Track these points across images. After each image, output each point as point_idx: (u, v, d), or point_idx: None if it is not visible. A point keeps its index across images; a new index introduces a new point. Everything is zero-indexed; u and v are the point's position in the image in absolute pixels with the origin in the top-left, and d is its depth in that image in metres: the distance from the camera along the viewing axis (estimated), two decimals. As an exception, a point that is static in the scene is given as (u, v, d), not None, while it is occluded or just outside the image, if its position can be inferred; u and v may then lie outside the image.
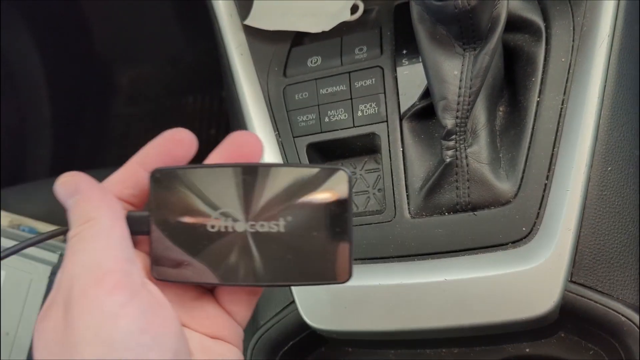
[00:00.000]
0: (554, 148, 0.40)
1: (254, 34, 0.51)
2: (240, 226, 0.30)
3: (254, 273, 0.30)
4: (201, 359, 0.30)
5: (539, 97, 0.42)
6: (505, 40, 0.43)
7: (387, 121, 0.45)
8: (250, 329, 0.46)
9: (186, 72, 1.10)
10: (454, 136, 0.40)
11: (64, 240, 0.74)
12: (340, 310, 0.42)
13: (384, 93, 0.45)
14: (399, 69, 0.45)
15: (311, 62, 0.48)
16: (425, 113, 0.44)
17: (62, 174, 0.30)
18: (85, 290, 0.26)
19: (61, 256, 0.66)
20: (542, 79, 0.42)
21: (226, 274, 0.30)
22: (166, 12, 1.05)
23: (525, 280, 0.39)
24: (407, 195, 0.43)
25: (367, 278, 0.42)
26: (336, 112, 0.46)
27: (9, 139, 1.07)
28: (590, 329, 0.40)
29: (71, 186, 0.30)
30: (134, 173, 0.31)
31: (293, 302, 0.44)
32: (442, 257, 0.41)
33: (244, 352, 0.40)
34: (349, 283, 0.30)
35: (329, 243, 0.29)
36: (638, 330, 0.38)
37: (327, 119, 0.46)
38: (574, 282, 0.39)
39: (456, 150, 0.40)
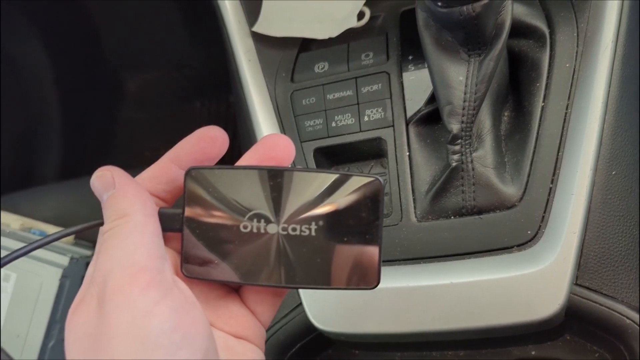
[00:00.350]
0: (558, 152, 0.41)
1: (261, 40, 0.51)
2: (273, 228, 0.30)
3: (284, 275, 0.30)
4: (225, 359, 0.30)
5: (543, 102, 0.42)
6: (510, 46, 0.44)
7: (393, 126, 0.45)
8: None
9: (193, 77, 1.10)
10: (459, 141, 0.40)
11: (74, 243, 0.75)
12: (347, 313, 0.43)
13: (390, 98, 0.46)
14: (405, 75, 0.46)
15: (318, 67, 0.49)
16: (431, 118, 0.44)
17: (99, 168, 0.30)
18: (120, 286, 0.26)
19: (72, 259, 0.67)
20: (546, 84, 0.42)
21: (255, 275, 0.30)
22: (173, 18, 1.05)
23: (531, 283, 0.39)
24: (414, 199, 0.43)
25: (374, 281, 0.42)
26: (343, 117, 0.46)
27: (19, 144, 1.08)
28: (595, 331, 0.40)
29: (107, 180, 0.30)
30: (166, 170, 0.31)
31: (300, 304, 0.44)
32: (448, 260, 0.42)
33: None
34: None
35: (358, 249, 0.30)
36: (642, 332, 0.38)
37: (334, 124, 0.47)
38: (579, 285, 0.39)
39: (462, 155, 0.41)
